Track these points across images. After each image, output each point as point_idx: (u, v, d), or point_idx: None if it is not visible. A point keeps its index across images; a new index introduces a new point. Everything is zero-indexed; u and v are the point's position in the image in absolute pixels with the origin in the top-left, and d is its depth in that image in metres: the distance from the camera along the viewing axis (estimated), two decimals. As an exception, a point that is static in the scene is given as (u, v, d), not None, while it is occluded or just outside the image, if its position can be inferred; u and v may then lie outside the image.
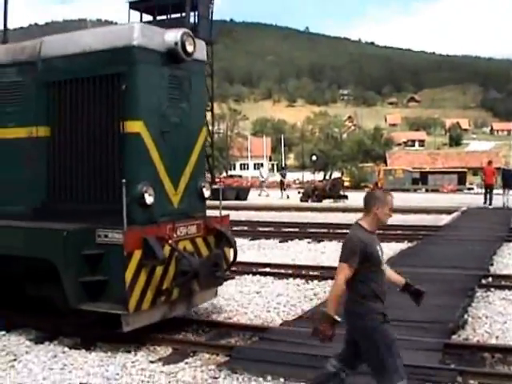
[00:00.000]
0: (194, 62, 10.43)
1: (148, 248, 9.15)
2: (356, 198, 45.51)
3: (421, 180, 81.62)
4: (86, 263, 9.35)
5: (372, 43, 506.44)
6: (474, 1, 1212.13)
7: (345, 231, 24.20)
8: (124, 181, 8.97)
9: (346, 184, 67.40)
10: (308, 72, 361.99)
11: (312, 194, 47.00)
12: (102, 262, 9.37)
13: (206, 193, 11.02)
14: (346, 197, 46.43)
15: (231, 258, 11.11)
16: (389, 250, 19.44)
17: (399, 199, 45.98)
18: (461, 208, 32.59)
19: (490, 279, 14.71)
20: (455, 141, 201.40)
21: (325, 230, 25.41)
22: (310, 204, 43.27)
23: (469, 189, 74.42)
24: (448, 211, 32.16)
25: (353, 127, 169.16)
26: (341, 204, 42.56)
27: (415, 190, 74.97)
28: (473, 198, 37.73)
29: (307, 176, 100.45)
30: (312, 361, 8.43)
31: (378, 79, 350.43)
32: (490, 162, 37.66)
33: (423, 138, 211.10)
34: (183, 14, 49.87)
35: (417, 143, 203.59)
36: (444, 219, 28.23)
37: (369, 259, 6.04)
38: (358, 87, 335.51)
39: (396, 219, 30.26)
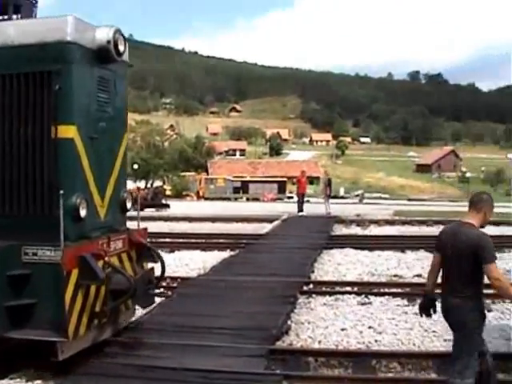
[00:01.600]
0: (120, 63, 9.61)
1: (85, 266, 8.33)
2: (178, 207, 45.79)
3: (242, 189, 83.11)
4: (10, 285, 8.31)
5: (196, 53, 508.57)
6: (293, 16, 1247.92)
7: (167, 240, 24.15)
8: (62, 192, 8.09)
9: (168, 193, 67.79)
10: (130, 80, 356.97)
11: (134, 202, 46.60)
12: (29, 283, 8.39)
13: (128, 204, 10.43)
14: (167, 205, 46.54)
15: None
16: (211, 258, 19.60)
17: (221, 208, 46.76)
18: (281, 216, 33.20)
19: (311, 286, 15.10)
20: (275, 150, 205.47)
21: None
22: (131, 213, 42.69)
23: (289, 197, 76.33)
24: (269, 220, 32.41)
25: (174, 136, 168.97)
26: (163, 213, 42.48)
27: (236, 199, 76.20)
28: (293, 207, 38.57)
29: (129, 184, 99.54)
30: (143, 371, 8.40)
31: (200, 89, 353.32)
32: (303, 172, 38.77)
33: (244, 148, 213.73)
34: (5, 17, 48.24)
35: (238, 152, 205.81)
36: (265, 227, 28.57)
37: None
38: (181, 96, 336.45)
39: (217, 228, 30.63)
